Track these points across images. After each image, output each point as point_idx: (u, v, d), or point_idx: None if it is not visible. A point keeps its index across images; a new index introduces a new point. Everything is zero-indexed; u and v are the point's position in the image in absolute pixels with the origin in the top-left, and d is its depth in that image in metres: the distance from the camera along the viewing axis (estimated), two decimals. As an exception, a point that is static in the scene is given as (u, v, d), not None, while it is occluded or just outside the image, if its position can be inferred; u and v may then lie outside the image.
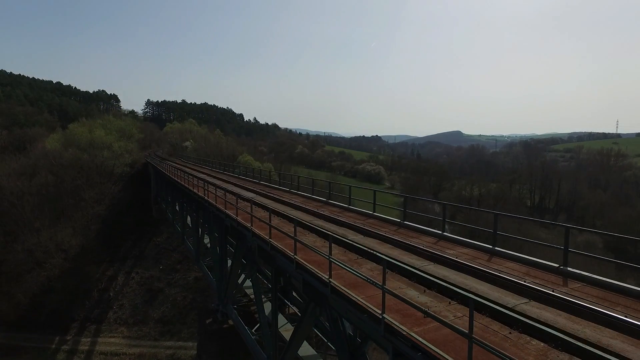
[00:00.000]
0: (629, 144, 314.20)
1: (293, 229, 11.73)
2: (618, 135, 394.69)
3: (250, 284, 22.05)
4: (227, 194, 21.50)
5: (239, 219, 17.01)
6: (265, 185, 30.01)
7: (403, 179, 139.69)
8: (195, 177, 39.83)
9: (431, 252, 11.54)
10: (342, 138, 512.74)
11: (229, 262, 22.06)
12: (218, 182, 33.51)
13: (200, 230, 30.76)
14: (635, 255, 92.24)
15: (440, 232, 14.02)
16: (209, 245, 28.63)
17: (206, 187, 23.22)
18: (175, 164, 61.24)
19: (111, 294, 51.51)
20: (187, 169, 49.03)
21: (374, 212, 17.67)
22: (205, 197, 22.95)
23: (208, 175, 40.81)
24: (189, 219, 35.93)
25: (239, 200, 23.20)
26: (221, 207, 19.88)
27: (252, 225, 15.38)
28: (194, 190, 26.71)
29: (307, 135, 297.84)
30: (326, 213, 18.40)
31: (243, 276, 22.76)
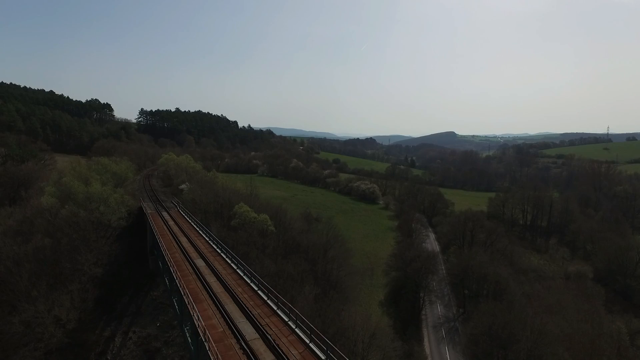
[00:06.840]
0: (619, 149, 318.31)
1: None
2: (609, 139, 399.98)
3: None
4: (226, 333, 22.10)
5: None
6: (263, 303, 30.52)
7: (397, 199, 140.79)
8: (191, 261, 40.64)
9: None
10: (337, 141, 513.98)
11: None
12: (214, 286, 34.12)
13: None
14: (625, 285, 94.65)
15: None
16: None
17: (206, 335, 23.80)
18: (170, 218, 61.65)
19: (109, 358, 52.03)
20: (182, 241, 49.57)
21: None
22: (205, 340, 23.58)
23: (204, 261, 41.52)
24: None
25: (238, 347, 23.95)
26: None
27: None
28: (193, 308, 27.41)
29: (302, 141, 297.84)
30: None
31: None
